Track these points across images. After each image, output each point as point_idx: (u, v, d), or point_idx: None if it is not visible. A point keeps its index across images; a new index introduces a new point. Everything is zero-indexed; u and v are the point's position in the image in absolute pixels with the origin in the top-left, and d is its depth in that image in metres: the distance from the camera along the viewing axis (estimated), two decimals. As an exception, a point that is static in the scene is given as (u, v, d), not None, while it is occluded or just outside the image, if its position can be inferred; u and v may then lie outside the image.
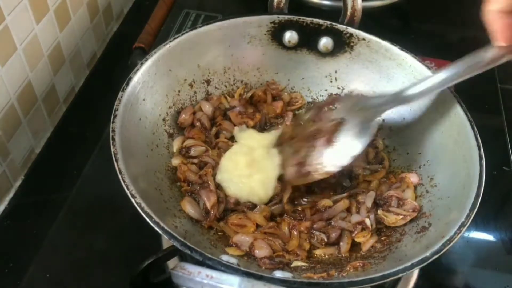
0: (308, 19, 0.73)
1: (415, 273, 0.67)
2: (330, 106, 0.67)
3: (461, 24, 1.07)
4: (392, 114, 0.72)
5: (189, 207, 0.62)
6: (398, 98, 0.62)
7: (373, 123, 0.64)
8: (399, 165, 0.70)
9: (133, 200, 0.51)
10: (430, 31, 1.07)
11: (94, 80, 0.96)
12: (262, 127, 0.74)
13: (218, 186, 0.65)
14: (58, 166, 0.82)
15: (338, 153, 0.62)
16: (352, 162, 0.62)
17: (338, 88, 0.77)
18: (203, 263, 0.47)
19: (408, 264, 0.49)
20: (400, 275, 0.49)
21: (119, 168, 0.53)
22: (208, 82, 0.74)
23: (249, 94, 0.75)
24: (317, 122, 0.66)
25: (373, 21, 0.78)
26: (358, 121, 0.63)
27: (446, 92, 0.65)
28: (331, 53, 0.75)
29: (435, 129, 0.67)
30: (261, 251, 0.59)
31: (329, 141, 0.63)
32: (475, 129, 0.61)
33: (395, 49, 0.71)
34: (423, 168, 0.67)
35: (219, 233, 0.62)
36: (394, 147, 0.72)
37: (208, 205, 0.61)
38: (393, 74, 0.72)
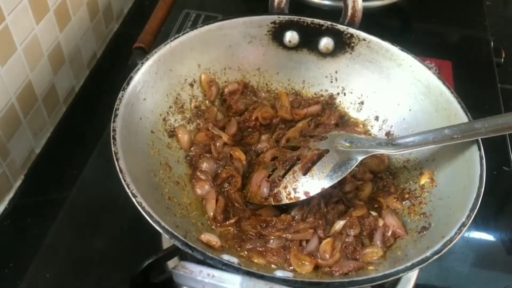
0: (309, 19, 0.73)
1: (415, 273, 0.67)
2: (319, 135, 0.66)
3: (461, 24, 1.07)
4: (393, 114, 0.72)
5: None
6: (388, 145, 0.62)
7: (353, 162, 0.62)
8: (399, 166, 0.70)
9: (134, 200, 0.51)
10: (430, 31, 1.07)
11: (94, 80, 0.96)
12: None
13: None
14: (58, 166, 0.82)
15: (310, 182, 0.61)
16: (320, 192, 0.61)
17: (339, 88, 0.77)
18: (204, 262, 0.47)
19: (409, 264, 0.49)
20: (401, 275, 0.49)
21: (120, 168, 0.53)
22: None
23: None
24: (301, 149, 0.65)
25: (373, 22, 0.78)
26: (340, 157, 0.62)
27: (446, 93, 0.66)
28: (332, 53, 0.75)
29: (435, 129, 0.67)
30: None
31: (306, 169, 0.62)
32: (476, 129, 0.61)
33: (395, 50, 0.71)
34: (424, 168, 0.67)
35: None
36: (394, 147, 0.72)
37: None
38: (393, 75, 0.72)
